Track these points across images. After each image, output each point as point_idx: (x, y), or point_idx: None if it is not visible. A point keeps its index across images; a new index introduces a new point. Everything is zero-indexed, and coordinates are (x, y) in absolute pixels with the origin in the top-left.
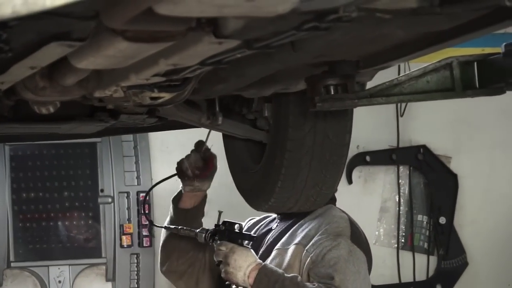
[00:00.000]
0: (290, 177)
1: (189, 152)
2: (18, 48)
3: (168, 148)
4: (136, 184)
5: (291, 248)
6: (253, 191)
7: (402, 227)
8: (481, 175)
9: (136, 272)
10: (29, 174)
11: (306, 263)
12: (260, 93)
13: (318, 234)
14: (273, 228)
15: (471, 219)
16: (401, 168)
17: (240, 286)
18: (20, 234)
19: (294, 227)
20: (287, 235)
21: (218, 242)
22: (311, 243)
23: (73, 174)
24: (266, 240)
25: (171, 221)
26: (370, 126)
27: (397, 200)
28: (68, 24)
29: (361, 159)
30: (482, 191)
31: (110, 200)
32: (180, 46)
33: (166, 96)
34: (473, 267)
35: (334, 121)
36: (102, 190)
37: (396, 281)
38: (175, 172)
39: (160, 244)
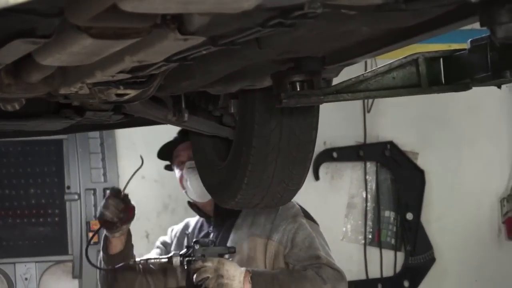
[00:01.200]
0: (257, 174)
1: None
2: None
3: (135, 144)
4: (102, 181)
5: (246, 242)
6: (219, 188)
7: (369, 223)
8: (448, 171)
9: None
10: None
11: (274, 252)
12: (226, 90)
13: (273, 222)
14: (210, 231)
15: (438, 215)
16: (368, 164)
17: None
18: None
19: (237, 223)
20: (232, 232)
21: (201, 259)
22: (271, 231)
23: (39, 171)
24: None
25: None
26: (337, 122)
27: (364, 196)
28: (32, 21)
29: (328, 155)
30: (449, 187)
31: (76, 197)
32: (145, 43)
33: (132, 93)
34: (441, 263)
35: (300, 118)
36: (68, 187)
37: (363, 277)
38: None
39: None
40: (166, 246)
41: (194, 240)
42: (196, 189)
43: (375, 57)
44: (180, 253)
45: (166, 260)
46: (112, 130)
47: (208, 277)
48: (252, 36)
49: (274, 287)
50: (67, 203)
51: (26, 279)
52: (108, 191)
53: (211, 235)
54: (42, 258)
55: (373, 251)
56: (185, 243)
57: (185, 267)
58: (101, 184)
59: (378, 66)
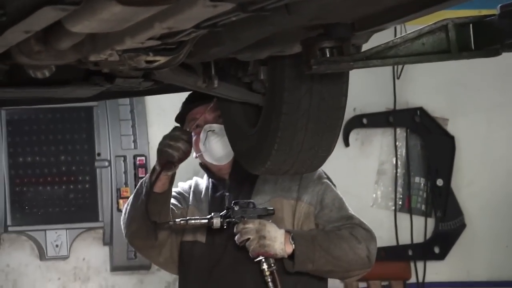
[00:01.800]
0: (287, 140)
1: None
2: (13, 12)
3: (165, 111)
4: (133, 147)
5: (271, 204)
6: (249, 154)
7: (400, 189)
8: (478, 137)
9: None
10: (25, 138)
11: (304, 213)
12: (255, 56)
13: (299, 183)
14: (225, 194)
15: (469, 181)
16: (398, 130)
17: (276, 256)
18: (17, 199)
19: (256, 188)
20: (253, 196)
21: (243, 220)
22: (299, 193)
23: (69, 138)
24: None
25: (145, 209)
26: (366, 88)
27: (394, 162)
28: None
29: (358, 121)
30: (479, 153)
31: (107, 164)
32: (175, 9)
33: (161, 59)
34: (471, 229)
35: (330, 84)
36: (99, 154)
37: (393, 243)
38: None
39: (131, 210)
40: (183, 197)
41: (233, 201)
42: (216, 152)
43: (405, 23)
44: (220, 214)
45: (206, 221)
46: (142, 97)
47: (249, 238)
48: (281, 2)
49: (314, 247)
50: (98, 170)
51: (57, 246)
52: (172, 130)
53: (227, 197)
54: (73, 225)
55: (403, 217)
56: (209, 209)
57: (225, 228)
58: (131, 151)
59: (408, 32)
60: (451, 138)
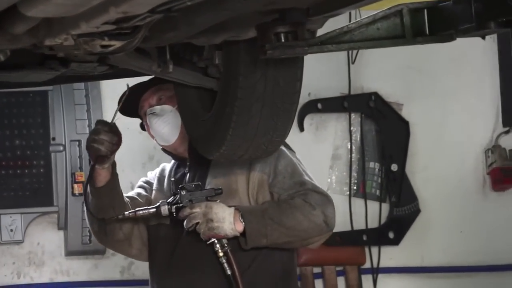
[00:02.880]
0: (241, 125)
1: None
2: None
3: (119, 96)
4: (87, 132)
5: (225, 176)
6: (204, 139)
7: (354, 174)
8: (432, 123)
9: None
10: None
11: (258, 182)
12: (210, 41)
13: None
14: (186, 172)
15: (423, 167)
16: (352, 115)
17: (227, 237)
18: None
19: (213, 161)
20: (210, 170)
21: (188, 205)
22: (252, 162)
23: (24, 123)
24: (187, 182)
25: (95, 206)
26: (321, 73)
27: (349, 147)
28: None
29: (313, 106)
30: (433, 138)
31: (61, 148)
32: None
33: (116, 44)
34: (425, 214)
35: (285, 69)
36: (53, 139)
37: (348, 228)
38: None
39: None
40: (149, 184)
41: (180, 186)
42: (160, 133)
43: (359, 8)
44: (168, 201)
45: (155, 210)
46: (97, 81)
47: (197, 222)
48: None
49: (266, 222)
50: (52, 155)
51: (11, 230)
52: (95, 124)
53: (187, 175)
54: (28, 209)
55: (358, 203)
56: (171, 189)
57: (174, 215)
58: (86, 136)
59: (362, 18)
60: (406, 123)
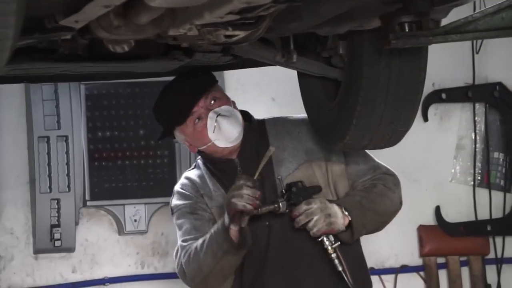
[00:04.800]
0: (365, 115)
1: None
2: None
3: (244, 86)
4: None
5: (299, 171)
6: (328, 129)
7: (478, 164)
8: None
9: None
10: (104, 113)
11: (337, 172)
12: (334, 31)
13: (315, 141)
14: (240, 171)
15: None
16: (477, 105)
17: (338, 232)
18: (95, 173)
19: (275, 159)
20: (276, 168)
21: (305, 201)
22: (326, 153)
23: (148, 113)
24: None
25: (231, 266)
26: (445, 63)
27: (473, 137)
28: None
29: (437, 96)
30: None
31: None
32: None
33: (240, 34)
34: None
35: (409, 59)
36: None
37: (472, 218)
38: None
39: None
40: (194, 208)
41: (286, 183)
42: (230, 134)
43: None
44: (282, 199)
45: (273, 207)
46: (221, 71)
47: (312, 218)
48: None
49: (366, 213)
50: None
51: (135, 220)
52: (239, 178)
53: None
54: (151, 199)
55: (482, 193)
56: (281, 188)
57: (287, 211)
58: None
59: (487, 7)
60: None
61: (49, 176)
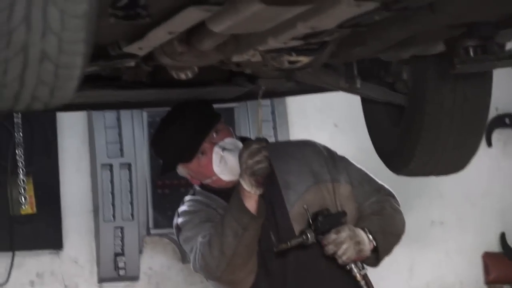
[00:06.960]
0: (430, 141)
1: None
2: (156, 13)
3: (306, 112)
4: None
5: (309, 194)
6: (392, 155)
7: None
8: None
9: None
10: None
11: (345, 194)
12: (398, 56)
13: (324, 163)
14: None
15: None
16: None
17: (366, 258)
18: (159, 201)
19: (281, 183)
20: (282, 188)
21: (334, 230)
22: (331, 174)
23: None
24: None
25: (253, 239)
26: (509, 87)
27: None
28: None
29: (501, 121)
30: None
31: None
32: (318, 9)
33: (304, 59)
34: None
35: (473, 83)
36: None
37: None
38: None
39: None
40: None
41: (313, 212)
42: (235, 167)
43: None
44: (310, 230)
45: (302, 239)
46: (283, 97)
47: (341, 247)
48: (425, 1)
49: (388, 237)
50: None
51: None
52: (249, 143)
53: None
54: None
55: None
56: (307, 217)
57: (316, 241)
58: None
59: None
60: None
61: (113, 204)
